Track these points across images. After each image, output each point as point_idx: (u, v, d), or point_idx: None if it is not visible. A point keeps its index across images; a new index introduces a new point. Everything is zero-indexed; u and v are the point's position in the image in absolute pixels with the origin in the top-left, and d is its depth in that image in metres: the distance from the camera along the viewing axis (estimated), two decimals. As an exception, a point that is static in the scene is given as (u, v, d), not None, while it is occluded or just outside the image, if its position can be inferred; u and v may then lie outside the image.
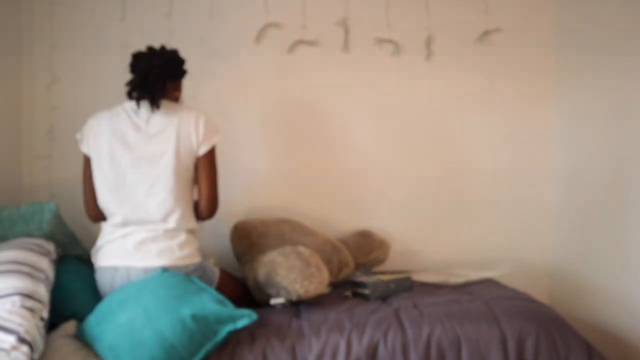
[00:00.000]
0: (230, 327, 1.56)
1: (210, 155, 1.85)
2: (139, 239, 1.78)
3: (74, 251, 2.05)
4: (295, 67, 2.56)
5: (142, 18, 2.51)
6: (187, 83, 2.57)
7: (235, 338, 1.64)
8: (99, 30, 2.50)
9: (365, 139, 2.61)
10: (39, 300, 1.55)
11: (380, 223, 2.59)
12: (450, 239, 2.64)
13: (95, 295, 1.85)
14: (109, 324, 1.59)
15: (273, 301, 1.93)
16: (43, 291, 1.59)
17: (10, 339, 1.38)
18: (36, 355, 1.43)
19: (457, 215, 2.65)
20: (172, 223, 1.80)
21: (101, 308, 1.68)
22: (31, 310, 1.49)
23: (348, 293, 2.10)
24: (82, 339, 1.65)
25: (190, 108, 1.91)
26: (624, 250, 2.14)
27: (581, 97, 2.44)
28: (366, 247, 2.43)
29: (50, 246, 1.84)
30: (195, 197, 1.91)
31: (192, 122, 1.82)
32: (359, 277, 2.15)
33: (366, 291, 2.02)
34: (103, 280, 1.80)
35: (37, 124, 2.49)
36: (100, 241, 1.86)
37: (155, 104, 1.80)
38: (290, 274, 1.89)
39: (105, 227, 1.87)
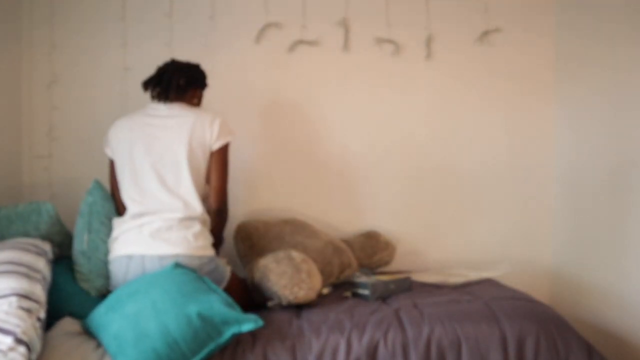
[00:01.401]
0: (235, 330, 1.56)
1: (223, 152, 1.96)
2: (155, 227, 1.82)
3: (70, 251, 2.05)
4: (295, 67, 2.56)
5: (142, 18, 2.51)
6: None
7: (236, 337, 1.64)
8: (99, 30, 2.50)
9: (365, 139, 2.60)
10: (36, 301, 1.54)
11: (379, 223, 2.59)
12: (450, 239, 2.64)
13: (92, 295, 1.86)
14: (116, 313, 1.60)
15: (270, 303, 1.97)
16: (40, 291, 1.59)
17: (7, 340, 1.38)
18: (34, 356, 1.42)
19: (457, 215, 2.65)
20: (186, 213, 1.86)
21: (111, 298, 1.70)
22: (28, 310, 1.49)
23: (348, 294, 2.10)
24: (89, 328, 1.67)
25: (208, 111, 2.03)
26: (624, 250, 2.13)
27: (581, 97, 2.44)
28: (370, 249, 2.42)
29: (46, 246, 1.84)
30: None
31: (208, 121, 1.94)
32: (358, 277, 2.15)
33: (366, 292, 2.02)
34: (117, 270, 1.82)
35: (37, 124, 2.49)
36: (115, 232, 1.89)
37: (165, 95, 1.96)
38: (280, 280, 1.92)
39: (122, 219, 1.92)
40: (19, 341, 1.39)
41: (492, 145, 2.65)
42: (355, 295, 2.07)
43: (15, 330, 1.41)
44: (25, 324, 1.44)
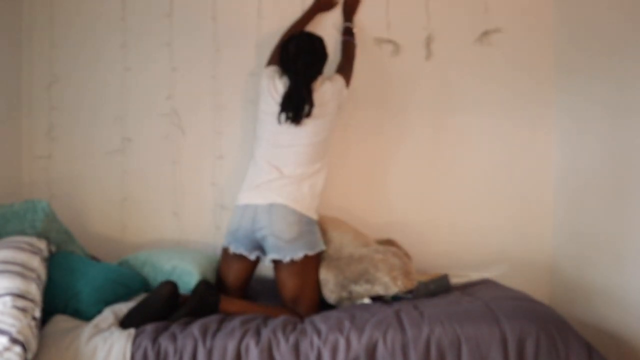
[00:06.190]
0: None
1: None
2: (271, 181, 2.09)
3: (69, 248, 2.06)
4: (295, 67, 2.56)
5: (142, 18, 2.51)
6: (186, 81, 2.56)
7: (241, 333, 1.68)
8: (99, 30, 2.50)
9: (363, 139, 2.60)
10: (31, 300, 1.55)
11: (378, 224, 2.59)
12: (450, 239, 2.63)
13: (86, 290, 1.84)
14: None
15: (366, 300, 1.98)
16: (35, 290, 1.60)
17: (3, 340, 1.39)
18: (29, 355, 1.43)
19: (456, 215, 2.64)
20: (298, 171, 2.10)
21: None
22: (23, 310, 1.49)
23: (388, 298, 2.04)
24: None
25: (326, 78, 2.23)
26: (624, 250, 2.13)
27: (581, 97, 2.44)
28: None
29: (42, 244, 1.84)
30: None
31: (329, 89, 2.17)
32: None
33: (408, 295, 1.99)
34: (242, 212, 2.09)
35: (37, 124, 2.49)
36: (243, 186, 2.17)
37: (300, 118, 2.09)
38: (392, 271, 1.99)
39: (250, 173, 2.18)
40: (14, 341, 1.39)
41: (491, 144, 2.64)
42: (396, 299, 2.01)
43: (11, 330, 1.41)
44: (20, 324, 1.44)
